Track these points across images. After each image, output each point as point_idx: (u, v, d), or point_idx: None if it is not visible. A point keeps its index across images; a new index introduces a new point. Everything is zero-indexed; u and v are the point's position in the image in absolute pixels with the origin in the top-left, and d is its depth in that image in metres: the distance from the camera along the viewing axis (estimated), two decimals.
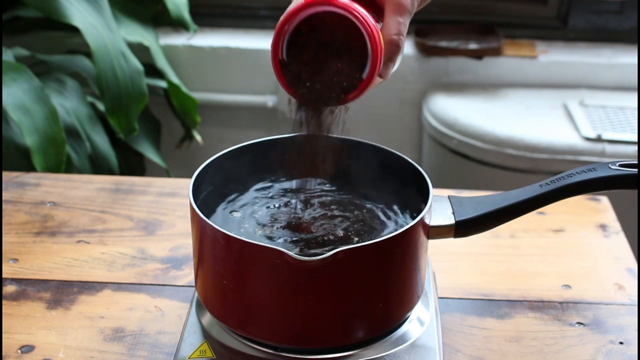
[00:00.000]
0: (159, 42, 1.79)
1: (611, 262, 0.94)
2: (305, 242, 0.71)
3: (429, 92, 1.83)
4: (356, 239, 0.72)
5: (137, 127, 1.53)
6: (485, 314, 0.85)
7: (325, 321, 0.69)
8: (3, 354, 0.78)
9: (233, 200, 0.78)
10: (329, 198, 0.78)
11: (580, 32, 1.96)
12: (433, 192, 0.72)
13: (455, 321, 0.84)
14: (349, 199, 0.78)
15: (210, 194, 0.78)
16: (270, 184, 0.80)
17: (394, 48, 0.67)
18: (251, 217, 0.75)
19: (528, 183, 0.78)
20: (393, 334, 0.73)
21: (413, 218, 0.73)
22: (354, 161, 0.81)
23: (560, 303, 0.87)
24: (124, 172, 1.67)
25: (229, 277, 0.69)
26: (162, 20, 1.85)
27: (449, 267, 0.92)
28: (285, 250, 0.63)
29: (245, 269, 0.67)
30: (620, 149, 1.65)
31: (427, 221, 0.71)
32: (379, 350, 0.71)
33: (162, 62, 1.73)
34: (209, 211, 0.76)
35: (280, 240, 0.71)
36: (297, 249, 0.70)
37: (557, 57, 1.89)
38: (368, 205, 0.77)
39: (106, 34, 1.48)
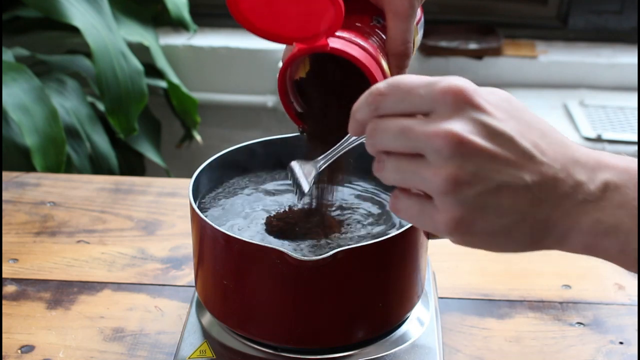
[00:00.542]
0: (159, 42, 1.79)
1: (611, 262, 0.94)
2: (304, 242, 0.71)
3: None
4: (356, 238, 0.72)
5: (137, 127, 1.53)
6: (485, 314, 0.85)
7: (325, 321, 0.69)
8: (3, 354, 0.78)
9: (233, 200, 0.78)
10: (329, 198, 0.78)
11: (580, 32, 1.96)
12: None
13: (455, 321, 0.84)
14: (349, 199, 0.78)
15: (210, 193, 0.78)
16: (270, 184, 0.80)
17: (403, 57, 0.67)
18: (251, 217, 0.75)
19: None
20: (393, 334, 0.73)
21: None
22: (355, 161, 0.81)
23: (560, 303, 0.87)
24: (124, 172, 1.67)
25: (229, 277, 0.69)
26: (162, 20, 1.85)
27: (449, 267, 0.92)
28: (286, 250, 0.63)
29: (245, 269, 0.67)
30: (620, 148, 1.65)
31: None
32: (379, 350, 0.71)
33: (162, 62, 1.73)
34: (209, 211, 0.76)
35: (280, 240, 0.71)
36: (296, 249, 0.70)
37: (557, 57, 1.89)
38: (368, 205, 0.77)
39: (106, 34, 1.48)
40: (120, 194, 1.06)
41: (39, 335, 0.81)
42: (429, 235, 0.72)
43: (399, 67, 0.67)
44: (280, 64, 0.69)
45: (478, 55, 1.84)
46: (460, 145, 0.50)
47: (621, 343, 0.81)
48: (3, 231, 0.97)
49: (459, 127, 0.50)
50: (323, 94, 0.69)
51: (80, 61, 1.67)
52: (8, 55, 1.47)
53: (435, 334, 0.74)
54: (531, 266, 0.93)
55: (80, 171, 1.48)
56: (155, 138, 1.77)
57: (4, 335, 0.80)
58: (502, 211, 0.51)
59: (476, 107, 0.51)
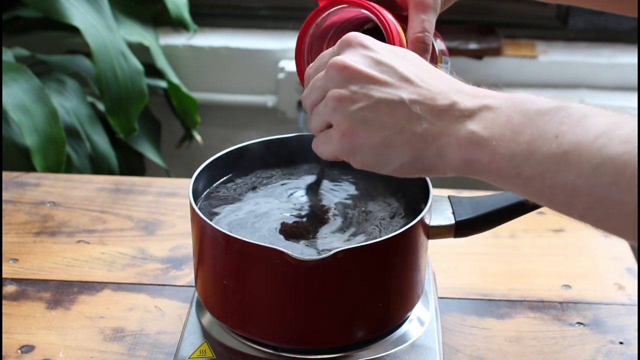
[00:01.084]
0: (159, 42, 1.78)
1: (611, 262, 0.94)
2: (305, 242, 0.71)
3: None
4: (355, 238, 0.72)
5: (137, 127, 1.53)
6: (485, 314, 0.85)
7: (325, 321, 0.69)
8: (3, 354, 0.78)
9: (233, 199, 0.78)
10: (330, 198, 0.78)
11: (580, 32, 1.96)
12: (433, 192, 0.72)
13: (455, 321, 0.84)
14: (349, 199, 0.78)
15: (210, 193, 0.78)
16: (270, 184, 0.80)
17: (421, 46, 0.68)
18: (251, 217, 0.75)
19: None
20: (393, 334, 0.73)
21: (413, 218, 0.73)
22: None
23: (560, 303, 0.87)
24: (124, 172, 1.67)
25: (229, 277, 0.69)
26: (162, 20, 1.85)
27: (449, 267, 0.92)
28: (286, 250, 0.63)
29: (245, 269, 0.67)
30: None
31: (427, 221, 0.71)
32: (379, 350, 0.71)
33: (162, 62, 1.73)
34: (209, 211, 0.76)
35: (279, 240, 0.71)
36: (296, 248, 0.70)
37: (557, 57, 1.89)
38: (368, 205, 0.77)
39: (106, 34, 1.48)
40: (120, 194, 1.06)
41: (39, 335, 0.81)
42: (429, 235, 0.72)
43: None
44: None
45: (478, 55, 1.84)
46: (344, 69, 0.58)
47: (621, 343, 0.81)
48: (3, 231, 0.97)
49: (346, 57, 0.59)
50: None
51: (80, 61, 1.66)
52: (8, 55, 1.46)
53: (435, 334, 0.74)
54: (531, 266, 0.93)
55: (80, 171, 1.48)
56: (155, 138, 1.77)
57: (4, 335, 0.81)
58: (381, 124, 0.57)
59: (364, 46, 0.60)
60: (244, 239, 0.66)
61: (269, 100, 1.90)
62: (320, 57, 0.63)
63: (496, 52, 1.85)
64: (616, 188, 0.49)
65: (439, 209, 0.74)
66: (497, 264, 0.93)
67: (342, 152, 0.60)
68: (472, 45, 1.85)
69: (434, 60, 0.73)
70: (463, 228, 0.74)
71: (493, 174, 0.55)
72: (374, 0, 0.69)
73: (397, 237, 0.67)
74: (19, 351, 0.79)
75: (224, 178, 0.80)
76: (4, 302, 0.86)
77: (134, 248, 0.95)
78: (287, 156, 0.82)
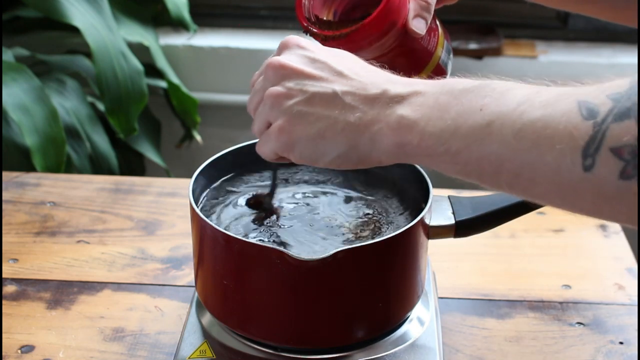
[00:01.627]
0: (159, 42, 1.78)
1: (611, 262, 0.94)
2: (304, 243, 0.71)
3: None
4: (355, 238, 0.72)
5: (137, 127, 1.53)
6: (485, 314, 0.85)
7: (325, 321, 0.69)
8: (3, 354, 0.78)
9: (233, 199, 0.78)
10: (330, 198, 0.78)
11: (580, 32, 1.96)
12: (433, 192, 0.72)
13: (455, 321, 0.84)
14: (349, 199, 0.78)
15: (211, 193, 0.78)
16: (269, 184, 0.80)
17: (422, 4, 0.69)
18: (251, 217, 0.75)
19: None
20: (393, 334, 0.73)
21: (413, 218, 0.73)
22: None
23: (560, 303, 0.87)
24: (124, 172, 1.67)
25: (229, 277, 0.69)
26: (162, 20, 1.85)
27: (449, 267, 0.92)
28: (286, 250, 0.63)
29: (245, 269, 0.67)
30: None
31: (427, 221, 0.71)
32: (379, 350, 0.71)
33: (162, 62, 1.73)
34: (209, 211, 0.76)
35: (281, 239, 0.71)
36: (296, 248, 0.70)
37: (557, 57, 1.89)
38: (367, 205, 0.77)
39: (106, 34, 1.48)
40: (120, 194, 1.06)
41: (39, 335, 0.81)
42: (429, 235, 0.72)
43: (416, 11, 0.69)
44: None
45: (478, 55, 1.84)
46: (280, 68, 0.61)
47: (621, 343, 0.81)
48: (3, 231, 0.97)
49: (282, 57, 0.62)
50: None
51: (80, 61, 1.66)
52: (8, 55, 1.46)
53: (435, 334, 0.74)
54: (531, 266, 0.93)
55: (80, 171, 1.48)
56: (155, 138, 1.77)
57: (4, 335, 0.81)
58: (316, 117, 0.59)
59: (300, 47, 0.62)
60: (244, 239, 0.66)
61: None
62: (263, 64, 0.65)
63: (496, 52, 1.85)
64: (537, 150, 0.50)
65: (439, 209, 0.74)
66: (497, 264, 0.93)
67: (280, 148, 0.61)
68: (472, 45, 1.85)
69: (433, 34, 0.72)
70: (463, 228, 0.74)
71: (423, 154, 0.56)
72: None
73: (397, 237, 0.67)
74: (19, 351, 0.79)
75: (224, 178, 0.80)
76: (4, 302, 0.86)
77: (134, 248, 0.95)
78: None
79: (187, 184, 0.73)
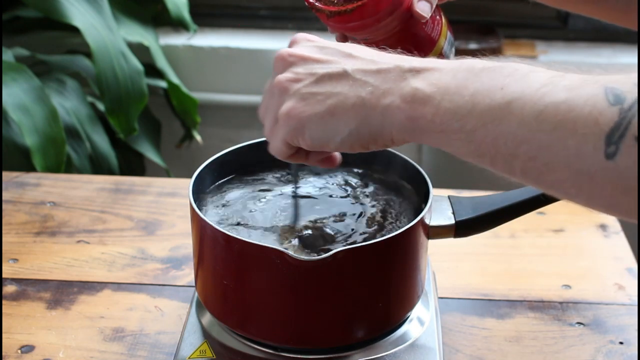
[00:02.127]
0: (159, 42, 1.78)
1: (611, 262, 0.94)
2: (303, 239, 0.71)
3: None
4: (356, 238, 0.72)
5: (137, 127, 1.53)
6: (485, 314, 0.85)
7: (325, 321, 0.69)
8: (3, 354, 0.78)
9: (233, 199, 0.78)
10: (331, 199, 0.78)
11: (580, 32, 1.96)
12: (433, 192, 0.72)
13: (455, 321, 0.84)
14: (349, 199, 0.78)
15: (211, 193, 0.78)
16: (269, 184, 0.80)
17: None
18: (250, 217, 0.75)
19: None
20: (393, 334, 0.73)
21: (413, 218, 0.73)
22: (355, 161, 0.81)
23: (560, 303, 0.87)
24: (124, 172, 1.67)
25: (229, 277, 0.69)
26: (162, 20, 1.85)
27: (449, 267, 0.92)
28: (286, 250, 0.63)
29: (245, 269, 0.67)
30: None
31: (427, 221, 0.71)
32: (379, 350, 0.71)
33: (162, 62, 1.73)
34: (209, 211, 0.76)
35: (279, 239, 0.71)
36: (296, 247, 0.70)
37: (557, 57, 1.88)
38: (368, 205, 0.77)
39: (106, 34, 1.48)
40: (120, 194, 1.06)
41: (39, 335, 0.81)
42: (429, 235, 0.72)
43: None
44: None
45: (478, 55, 1.84)
46: (289, 56, 0.60)
47: (621, 343, 0.81)
48: (3, 231, 0.97)
49: (291, 48, 0.61)
50: None
51: (80, 61, 1.66)
52: (8, 55, 1.46)
53: (435, 334, 0.74)
54: (531, 266, 0.93)
55: (80, 171, 1.48)
56: (155, 138, 1.77)
57: (4, 335, 0.81)
58: (326, 95, 0.57)
59: (309, 40, 0.62)
60: (244, 239, 0.66)
61: None
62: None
63: (496, 52, 1.85)
64: (558, 133, 0.48)
65: (439, 209, 0.74)
66: (497, 264, 0.93)
67: (290, 134, 0.59)
68: (472, 45, 1.85)
69: (437, 23, 0.72)
70: (463, 228, 0.74)
71: (437, 130, 0.54)
72: None
73: (397, 237, 0.67)
74: (19, 351, 0.79)
75: (224, 178, 0.80)
76: (4, 302, 0.86)
77: (134, 248, 0.95)
78: None
79: (187, 184, 0.73)
